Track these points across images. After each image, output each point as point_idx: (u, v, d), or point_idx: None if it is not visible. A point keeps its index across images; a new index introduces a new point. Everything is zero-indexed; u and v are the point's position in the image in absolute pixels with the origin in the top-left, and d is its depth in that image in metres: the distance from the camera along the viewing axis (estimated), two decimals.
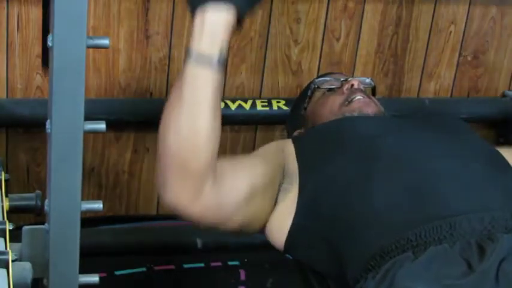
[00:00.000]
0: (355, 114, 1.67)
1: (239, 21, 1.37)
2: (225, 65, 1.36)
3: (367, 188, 1.42)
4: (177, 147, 1.36)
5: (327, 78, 1.82)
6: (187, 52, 1.36)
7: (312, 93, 1.80)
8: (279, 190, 1.51)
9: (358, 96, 1.70)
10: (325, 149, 1.54)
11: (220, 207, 1.42)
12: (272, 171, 1.50)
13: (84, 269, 1.19)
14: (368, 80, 1.84)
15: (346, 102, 1.70)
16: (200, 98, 1.35)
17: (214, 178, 1.39)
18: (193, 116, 1.35)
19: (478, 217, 1.33)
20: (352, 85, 1.73)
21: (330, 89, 1.77)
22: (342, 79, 1.78)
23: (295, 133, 1.79)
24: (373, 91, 1.86)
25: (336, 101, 1.72)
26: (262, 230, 1.53)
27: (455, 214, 1.34)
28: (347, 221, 1.42)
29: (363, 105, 1.69)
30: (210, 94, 1.35)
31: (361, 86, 1.76)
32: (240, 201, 1.44)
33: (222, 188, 1.41)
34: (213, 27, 1.34)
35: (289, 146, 1.57)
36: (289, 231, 1.50)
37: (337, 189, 1.45)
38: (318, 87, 1.80)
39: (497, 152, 1.57)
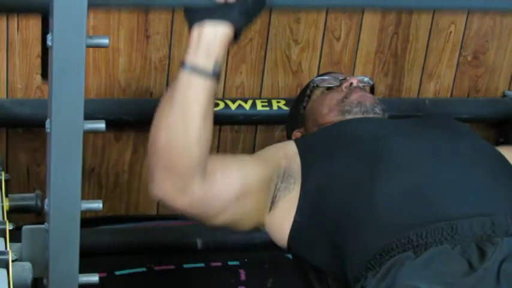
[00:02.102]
0: (353, 106, 1.68)
1: (236, 35, 1.39)
2: (219, 76, 1.38)
3: (369, 188, 1.42)
4: (166, 146, 1.38)
5: (326, 77, 1.82)
6: (182, 63, 1.37)
7: (311, 92, 1.80)
8: (276, 190, 1.51)
9: (356, 91, 1.71)
10: (329, 149, 1.55)
11: (208, 202, 1.43)
12: (268, 172, 1.51)
13: (84, 269, 1.19)
14: (366, 79, 1.84)
15: (345, 99, 1.70)
16: (192, 103, 1.37)
17: (203, 175, 1.40)
18: (184, 117, 1.37)
19: (478, 221, 1.34)
20: (351, 83, 1.74)
21: (329, 88, 1.78)
22: (340, 78, 1.79)
23: (295, 132, 1.79)
24: (372, 90, 1.86)
25: (334, 98, 1.73)
26: (252, 229, 1.53)
27: (456, 217, 1.34)
28: (348, 219, 1.42)
29: (360, 96, 1.70)
30: (202, 101, 1.37)
31: (360, 85, 1.76)
32: (230, 198, 1.45)
33: (212, 185, 1.42)
34: (209, 42, 1.36)
35: (291, 147, 1.57)
36: (291, 229, 1.50)
37: (340, 188, 1.45)
38: (317, 86, 1.80)
39: (499, 153, 1.56)
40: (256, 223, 1.52)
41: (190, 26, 1.37)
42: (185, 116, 1.37)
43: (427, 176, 1.43)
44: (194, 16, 1.37)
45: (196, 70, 1.36)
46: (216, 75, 1.37)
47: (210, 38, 1.36)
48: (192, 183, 1.39)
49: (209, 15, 1.36)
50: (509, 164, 1.53)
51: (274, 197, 1.51)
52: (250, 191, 1.47)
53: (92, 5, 1.09)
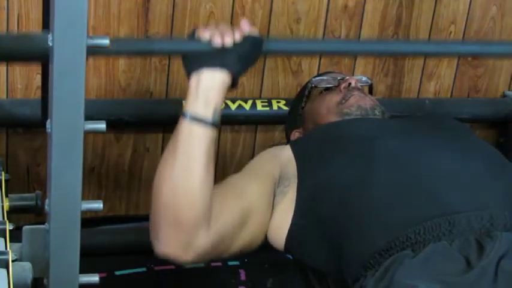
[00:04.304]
0: (353, 109, 1.68)
1: (233, 82, 1.41)
2: (219, 123, 1.41)
3: (365, 187, 1.43)
4: (171, 199, 1.38)
5: (324, 77, 1.82)
6: (182, 112, 1.40)
7: (310, 92, 1.80)
8: (274, 195, 1.52)
9: (355, 93, 1.71)
10: (324, 149, 1.55)
11: (216, 246, 1.44)
12: (263, 188, 1.51)
13: (84, 269, 1.19)
14: (365, 78, 1.85)
15: (343, 101, 1.70)
16: (194, 153, 1.38)
17: (208, 226, 1.41)
18: (187, 170, 1.38)
19: (476, 215, 1.34)
20: (349, 84, 1.74)
21: (327, 88, 1.78)
22: (339, 78, 1.79)
23: (294, 132, 1.79)
24: (371, 89, 1.86)
25: (333, 99, 1.73)
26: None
27: (454, 212, 1.34)
28: (346, 219, 1.42)
29: (359, 99, 1.70)
30: (204, 149, 1.38)
31: (359, 85, 1.76)
32: (235, 231, 1.46)
33: (215, 230, 1.42)
34: (208, 90, 1.38)
35: (286, 151, 1.57)
36: (289, 231, 1.50)
37: (336, 188, 1.46)
38: (315, 87, 1.80)
39: (496, 150, 1.57)
40: (265, 234, 1.53)
41: (189, 74, 1.40)
42: (188, 165, 1.38)
43: (424, 173, 1.44)
44: (192, 64, 1.39)
45: (197, 119, 1.38)
46: (215, 124, 1.39)
47: (208, 86, 1.38)
48: (198, 235, 1.40)
49: (206, 64, 1.38)
50: (507, 161, 1.54)
51: (275, 200, 1.52)
52: (251, 215, 1.48)
53: (92, 53, 1.09)
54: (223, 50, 1.36)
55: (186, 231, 1.38)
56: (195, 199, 1.38)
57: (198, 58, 1.38)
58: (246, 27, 1.38)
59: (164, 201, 1.39)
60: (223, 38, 1.35)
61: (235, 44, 1.36)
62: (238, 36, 1.37)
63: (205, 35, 1.36)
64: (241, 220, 1.46)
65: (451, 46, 1.67)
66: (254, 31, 1.40)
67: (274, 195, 1.51)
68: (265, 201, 1.50)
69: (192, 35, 1.38)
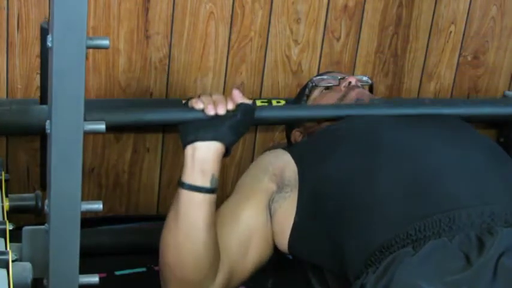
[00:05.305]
0: (352, 103, 1.69)
1: (226, 150, 1.47)
2: (217, 188, 1.46)
3: (366, 184, 1.43)
4: (176, 262, 1.44)
5: (325, 77, 1.82)
6: (179, 182, 1.45)
7: (310, 91, 1.81)
8: (272, 202, 1.53)
9: (355, 90, 1.72)
10: (324, 145, 1.55)
11: (230, 280, 1.49)
12: (260, 202, 1.54)
13: (84, 269, 1.19)
14: (365, 78, 1.85)
15: (343, 98, 1.71)
16: (195, 219, 1.43)
17: (216, 273, 1.46)
18: (190, 236, 1.43)
19: (477, 211, 1.34)
20: (350, 82, 1.74)
21: (328, 87, 1.78)
22: (339, 77, 1.79)
23: (294, 131, 1.79)
24: (371, 89, 1.87)
25: (333, 97, 1.73)
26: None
27: (454, 208, 1.35)
28: (347, 217, 1.42)
29: (359, 93, 1.71)
30: (205, 214, 1.43)
31: (359, 84, 1.76)
32: (242, 260, 1.50)
33: (223, 271, 1.48)
34: (203, 161, 1.44)
35: (283, 157, 1.58)
36: (291, 231, 1.50)
37: (337, 185, 1.46)
38: (316, 86, 1.80)
39: (497, 145, 1.58)
40: (273, 243, 1.55)
41: (184, 146, 1.45)
42: (190, 231, 1.43)
43: (425, 168, 1.44)
44: (186, 136, 1.45)
45: (195, 188, 1.43)
46: (214, 190, 1.45)
47: (204, 158, 1.44)
48: (209, 285, 1.46)
49: (201, 137, 1.44)
50: (507, 155, 1.54)
51: (271, 211, 1.53)
52: (253, 237, 1.52)
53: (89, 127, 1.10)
54: (216, 122, 1.42)
55: (196, 286, 1.44)
56: (200, 262, 1.43)
57: (193, 131, 1.44)
58: (238, 96, 1.45)
59: (172, 265, 1.44)
60: (217, 107, 1.40)
61: (228, 113, 1.43)
62: (231, 106, 1.44)
63: (198, 104, 1.41)
64: (244, 246, 1.50)
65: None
66: (246, 100, 1.47)
67: (273, 202, 1.53)
68: (263, 219, 1.53)
69: (186, 104, 1.46)
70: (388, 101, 2.18)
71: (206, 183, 1.44)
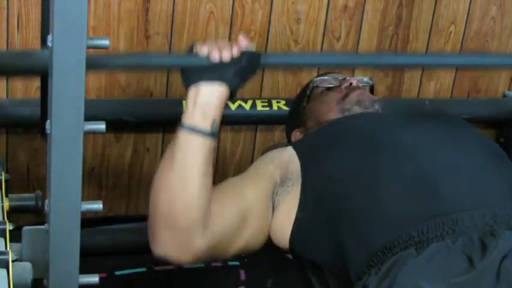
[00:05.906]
0: (353, 104, 1.69)
1: (231, 94, 1.43)
2: (218, 134, 1.42)
3: (369, 184, 1.43)
4: (168, 206, 1.40)
5: (326, 77, 1.82)
6: (180, 123, 1.41)
7: (311, 92, 1.80)
8: (276, 195, 1.52)
9: (356, 91, 1.72)
10: (327, 144, 1.55)
11: (213, 248, 1.44)
12: (263, 190, 1.52)
13: (84, 269, 1.19)
14: (366, 79, 1.85)
15: (344, 98, 1.71)
16: (191, 161, 1.40)
17: (205, 227, 1.42)
18: (184, 179, 1.39)
19: (480, 213, 1.34)
20: (351, 83, 1.74)
21: (329, 88, 1.78)
22: (340, 78, 1.79)
23: (295, 132, 1.79)
24: (372, 90, 1.87)
25: (334, 98, 1.73)
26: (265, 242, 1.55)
27: (457, 210, 1.34)
28: (350, 215, 1.42)
29: (359, 94, 1.71)
30: (202, 159, 1.40)
31: (360, 85, 1.76)
32: (232, 233, 1.47)
33: (212, 232, 1.43)
34: (206, 102, 1.40)
35: (287, 152, 1.57)
36: (293, 227, 1.50)
37: (340, 184, 1.46)
38: (317, 86, 1.80)
39: (497, 145, 1.58)
40: (266, 236, 1.53)
41: (187, 86, 1.42)
42: (184, 174, 1.40)
43: (427, 169, 1.43)
44: (190, 77, 1.41)
45: (195, 130, 1.40)
46: (214, 134, 1.41)
47: (207, 99, 1.40)
48: (195, 238, 1.41)
49: (205, 77, 1.40)
50: (508, 156, 1.54)
51: (274, 204, 1.52)
52: (249, 217, 1.49)
53: (90, 65, 1.09)
54: (221, 63, 1.38)
55: (183, 234, 1.40)
56: (192, 207, 1.39)
57: (197, 72, 1.40)
58: (243, 43, 1.41)
59: (161, 207, 1.40)
60: (221, 52, 1.38)
61: (233, 59, 1.39)
62: (236, 51, 1.39)
63: (203, 50, 1.38)
64: (239, 222, 1.47)
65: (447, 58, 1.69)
66: (251, 46, 1.42)
67: (277, 195, 1.52)
68: (265, 204, 1.51)
69: (191, 50, 1.40)
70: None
71: (207, 126, 1.40)
